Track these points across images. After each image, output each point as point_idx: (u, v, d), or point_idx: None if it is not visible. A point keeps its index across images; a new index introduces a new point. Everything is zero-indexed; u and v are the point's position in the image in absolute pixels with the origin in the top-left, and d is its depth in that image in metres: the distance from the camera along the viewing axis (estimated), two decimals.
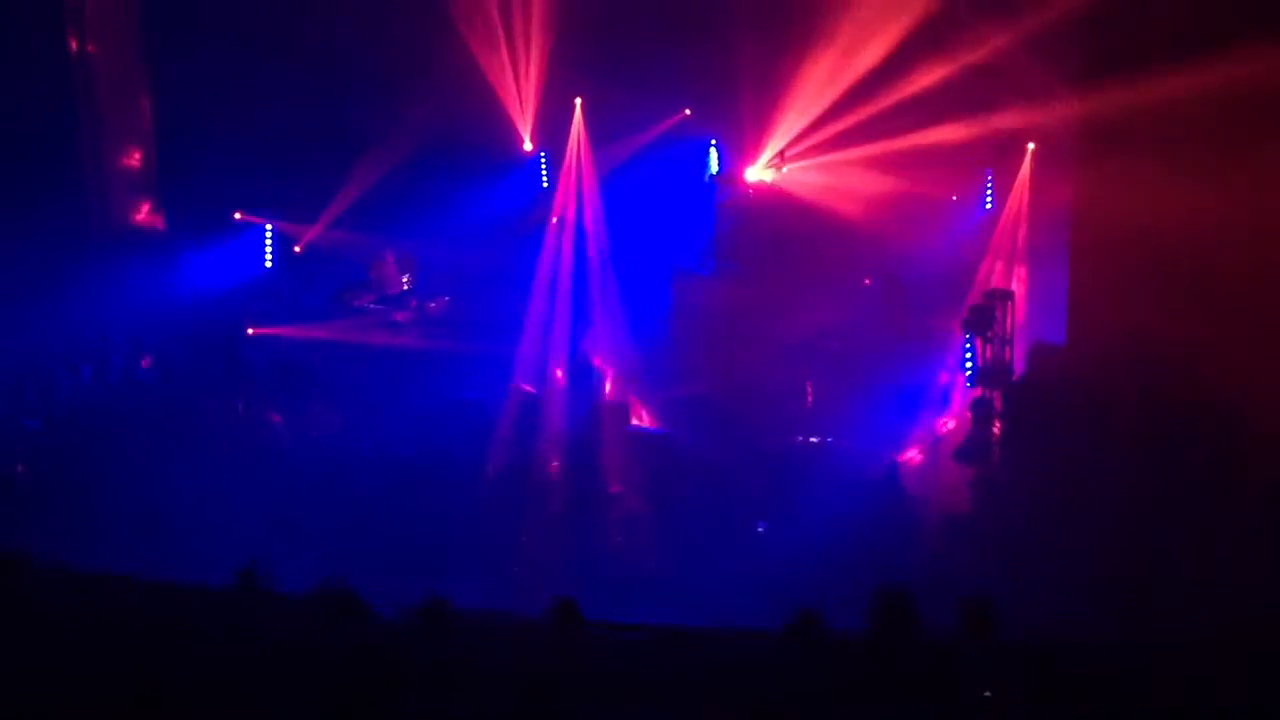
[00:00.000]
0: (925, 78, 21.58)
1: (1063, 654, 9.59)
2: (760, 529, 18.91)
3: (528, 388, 22.33)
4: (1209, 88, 16.84)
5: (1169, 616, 14.52)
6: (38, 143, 22.60)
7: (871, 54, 21.95)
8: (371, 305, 24.53)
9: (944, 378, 21.79)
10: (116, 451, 20.49)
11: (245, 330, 23.62)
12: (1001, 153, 22.52)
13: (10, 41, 22.17)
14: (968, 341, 20.44)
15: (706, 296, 23.49)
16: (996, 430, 19.87)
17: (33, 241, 22.40)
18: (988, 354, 20.12)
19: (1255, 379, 16.51)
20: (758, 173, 23.87)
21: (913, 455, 21.09)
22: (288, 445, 21.43)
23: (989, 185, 23.27)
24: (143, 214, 24.30)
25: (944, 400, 21.84)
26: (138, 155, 24.23)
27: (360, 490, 19.32)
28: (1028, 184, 22.20)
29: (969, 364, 20.38)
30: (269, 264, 24.89)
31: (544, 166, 25.91)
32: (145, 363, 22.70)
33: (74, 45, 22.88)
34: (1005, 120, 21.46)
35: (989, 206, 23.19)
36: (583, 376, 22.73)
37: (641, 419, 21.98)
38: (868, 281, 23.01)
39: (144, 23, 23.77)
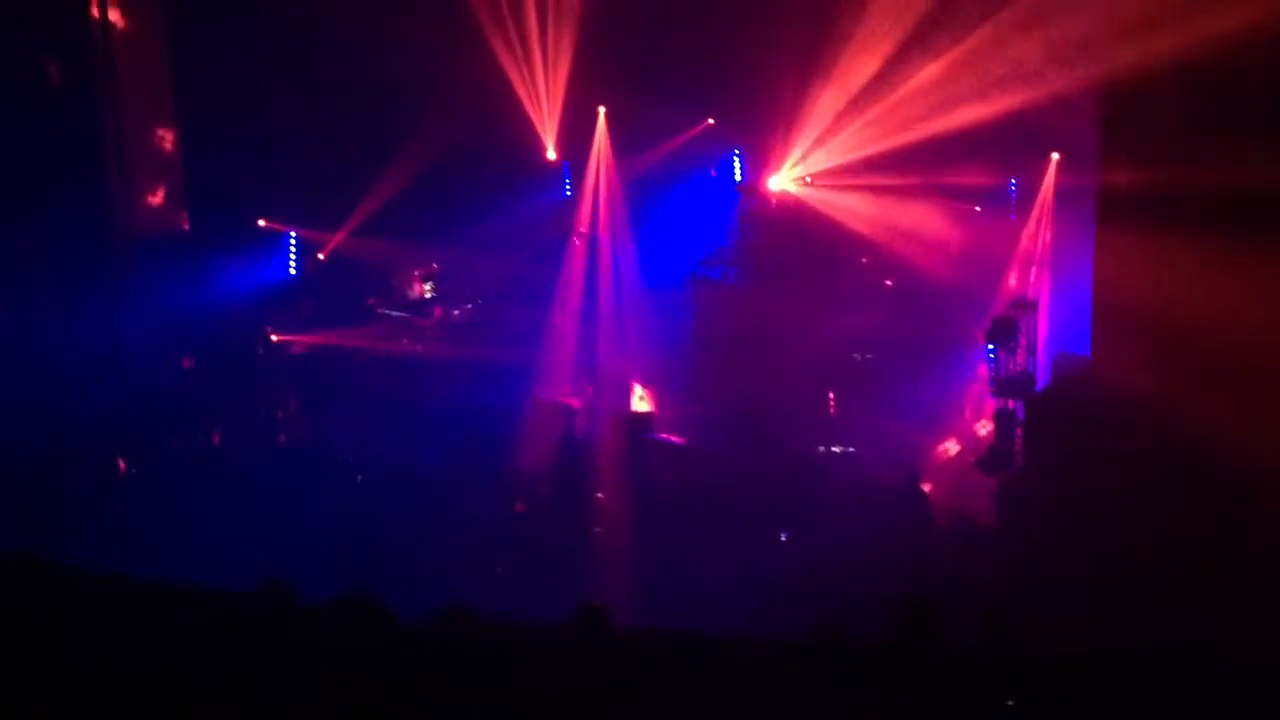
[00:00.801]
0: (948, 87, 21.55)
1: (1083, 665, 9.56)
2: (783, 538, 18.90)
3: (550, 396, 22.38)
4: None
5: (1188, 629, 14.48)
6: (63, 152, 22.68)
7: (895, 61, 21.94)
8: (394, 313, 24.59)
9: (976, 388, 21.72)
10: (137, 455, 20.61)
11: (269, 337, 23.72)
12: (1025, 162, 22.46)
13: (34, 49, 22.29)
14: (991, 352, 20.38)
15: (728, 305, 23.48)
16: (1019, 441, 19.81)
17: (57, 247, 22.52)
18: (1011, 365, 20.07)
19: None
20: (781, 182, 23.88)
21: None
22: (309, 451, 21.50)
23: (1013, 195, 23.21)
24: (167, 221, 24.36)
25: (977, 408, 21.79)
26: (164, 162, 24.30)
27: (382, 496, 19.39)
28: (1051, 194, 22.13)
29: (992, 374, 20.33)
30: (293, 271, 25.00)
31: (567, 175, 25.96)
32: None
33: (100, 57, 22.96)
34: (1029, 128, 21.40)
35: (1013, 217, 23.13)
36: (604, 385, 22.76)
37: (664, 428, 21.97)
38: (889, 283, 23.03)
39: (171, 33, 23.85)
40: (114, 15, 23.02)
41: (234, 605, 9.80)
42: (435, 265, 25.08)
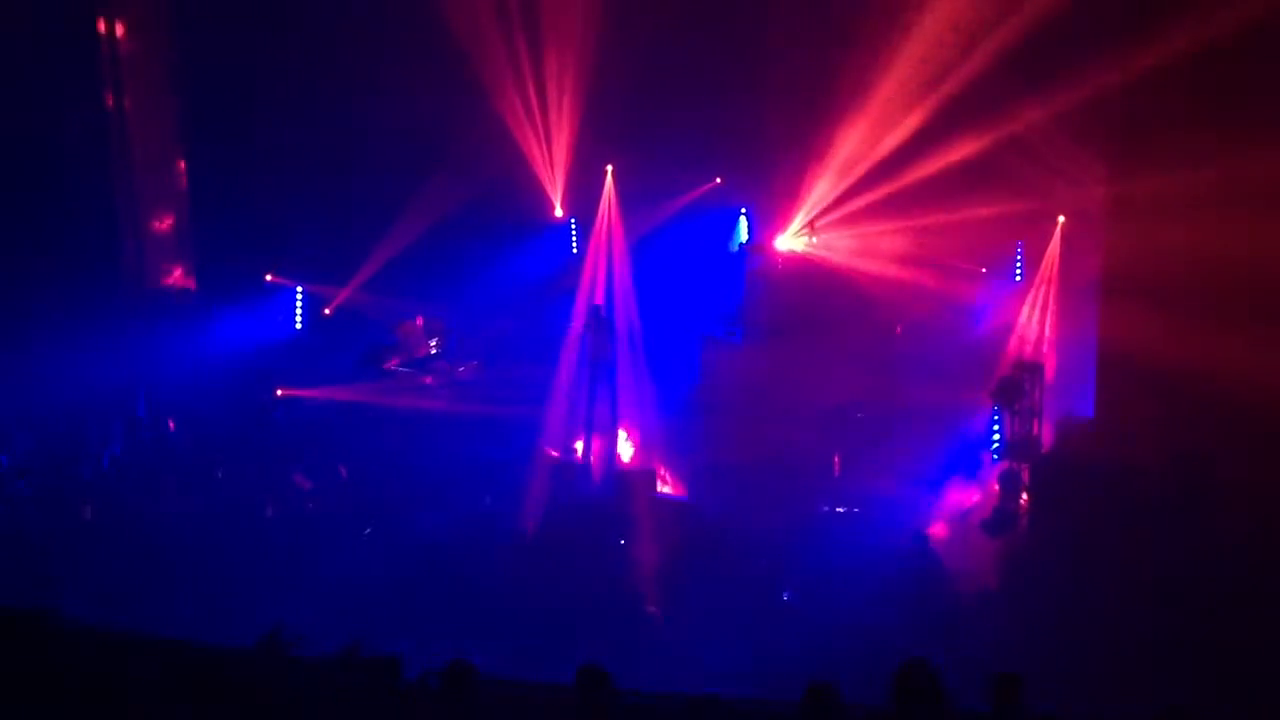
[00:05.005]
0: (955, 149, 21.66)
1: None
2: (785, 598, 18.82)
3: (555, 453, 22.36)
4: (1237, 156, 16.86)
5: (1199, 692, 14.38)
6: (73, 203, 22.74)
7: (902, 125, 22.07)
8: (400, 368, 24.61)
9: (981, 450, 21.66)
10: (142, 511, 20.57)
11: (274, 392, 23.73)
12: (1032, 225, 22.54)
13: (47, 103, 22.40)
14: (996, 414, 20.37)
15: (734, 364, 23.48)
16: (1024, 503, 19.78)
17: (65, 301, 22.54)
18: (1016, 427, 20.06)
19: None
20: (788, 242, 23.95)
21: (941, 526, 20.97)
22: (313, 507, 21.46)
23: (1019, 257, 23.30)
24: (175, 275, 24.45)
25: (974, 471, 21.72)
26: (171, 217, 24.41)
27: (386, 553, 19.32)
28: (1058, 256, 22.22)
29: (997, 437, 20.31)
30: (299, 326, 25.03)
31: (574, 233, 26.03)
32: (171, 424, 22.77)
33: (110, 106, 23.10)
34: (1036, 192, 21.50)
35: (1019, 278, 23.20)
36: (610, 442, 22.75)
37: (667, 486, 21.93)
38: (899, 330, 23.05)
39: (180, 86, 23.98)
40: (125, 69, 23.17)
41: (234, 660, 9.77)
42: (442, 321, 25.09)
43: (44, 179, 22.23)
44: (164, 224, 24.35)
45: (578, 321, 23.60)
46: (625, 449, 22.62)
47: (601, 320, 23.13)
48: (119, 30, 23.19)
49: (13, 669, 8.98)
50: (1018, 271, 23.28)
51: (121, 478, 21.42)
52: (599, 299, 24.11)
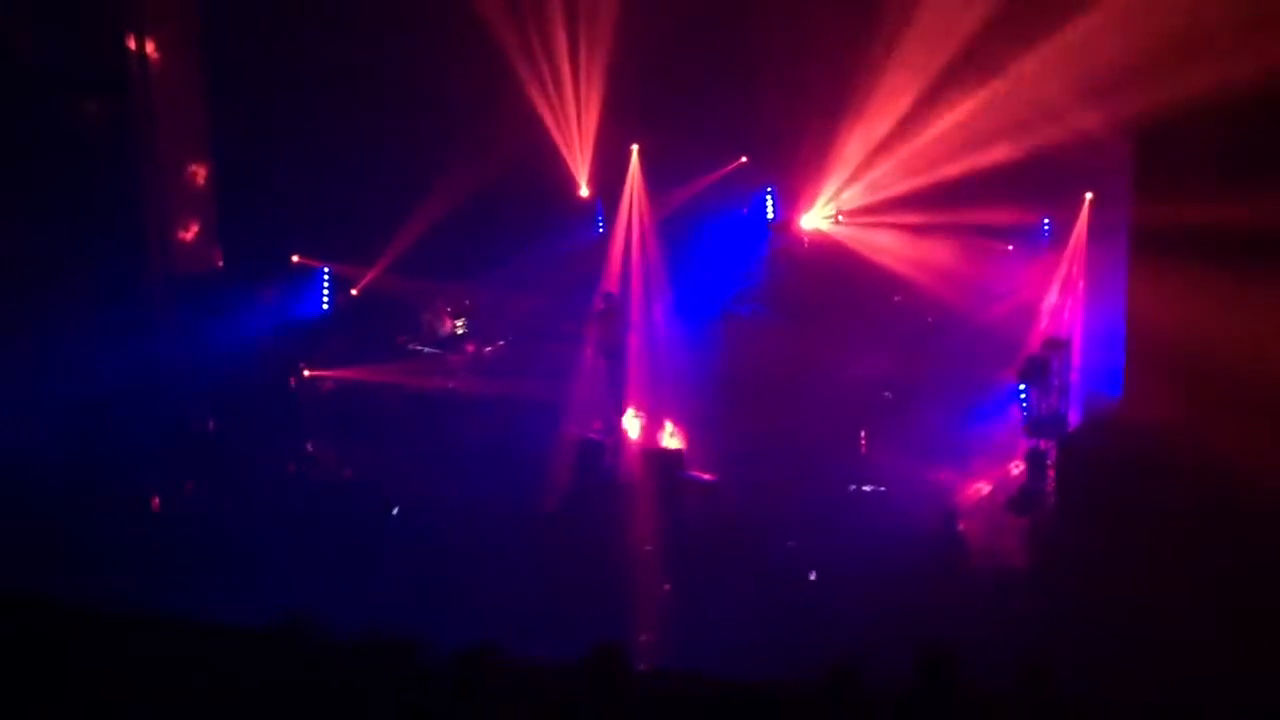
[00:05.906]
0: (981, 126, 21.52)
1: (1117, 713, 9.44)
2: (812, 578, 18.78)
3: (581, 433, 22.34)
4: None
5: (1224, 675, 14.29)
6: (98, 187, 22.74)
7: (928, 101, 21.96)
8: (425, 349, 24.62)
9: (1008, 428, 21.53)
10: (169, 490, 20.67)
11: (301, 371, 23.76)
12: (1060, 200, 22.39)
13: (73, 89, 22.45)
14: (1023, 392, 20.25)
15: (760, 343, 23.43)
16: (1051, 481, 19.66)
17: (92, 285, 22.56)
18: (1043, 405, 19.94)
19: None
20: (813, 220, 23.86)
21: (967, 505, 20.86)
22: (338, 486, 21.49)
23: (1046, 234, 23.15)
24: (201, 256, 24.44)
25: (1001, 450, 21.61)
26: (198, 198, 24.39)
27: (410, 534, 19.37)
28: (1085, 233, 22.06)
29: (1024, 414, 20.20)
30: (326, 306, 25.04)
31: (600, 212, 25.97)
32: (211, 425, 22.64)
33: (137, 100, 23.08)
34: (1063, 166, 21.34)
35: (1046, 255, 23.06)
36: (635, 422, 22.72)
37: (693, 466, 21.89)
38: (930, 320, 22.98)
39: (207, 69, 23.96)
40: (151, 50, 23.13)
41: (253, 641, 9.78)
42: (467, 301, 25.08)
43: (67, 164, 22.22)
44: (191, 205, 24.31)
45: (595, 304, 23.54)
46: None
47: (613, 308, 23.08)
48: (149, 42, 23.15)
49: (15, 654, 9.01)
50: (1045, 248, 23.15)
51: (146, 460, 21.45)
52: (627, 279, 24.09)
